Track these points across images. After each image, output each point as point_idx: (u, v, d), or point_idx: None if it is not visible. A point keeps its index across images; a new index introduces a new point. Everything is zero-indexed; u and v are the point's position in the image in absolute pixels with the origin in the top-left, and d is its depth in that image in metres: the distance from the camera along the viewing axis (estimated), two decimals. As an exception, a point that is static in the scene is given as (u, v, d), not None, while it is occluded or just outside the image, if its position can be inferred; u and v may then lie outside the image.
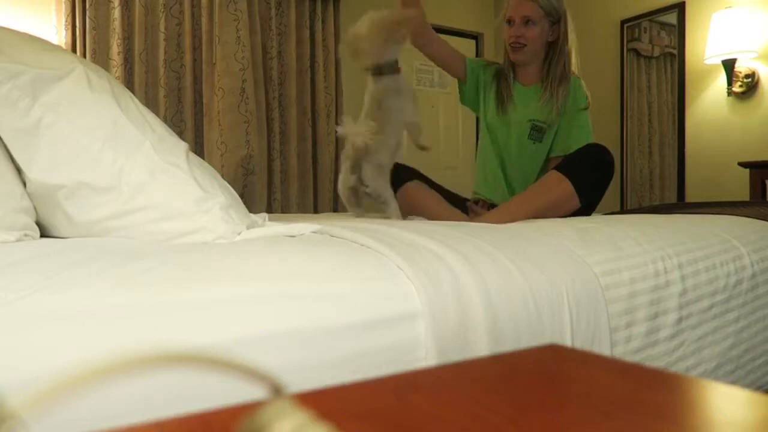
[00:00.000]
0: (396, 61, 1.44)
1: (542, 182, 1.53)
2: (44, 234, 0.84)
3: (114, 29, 2.79)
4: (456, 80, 1.94)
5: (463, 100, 1.95)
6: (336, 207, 3.26)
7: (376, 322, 0.57)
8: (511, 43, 1.75)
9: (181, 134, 2.90)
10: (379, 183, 1.36)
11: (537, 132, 1.75)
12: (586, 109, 1.79)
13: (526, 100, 1.78)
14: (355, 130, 1.29)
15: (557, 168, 1.54)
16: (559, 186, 1.47)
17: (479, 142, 1.96)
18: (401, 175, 1.63)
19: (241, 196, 2.83)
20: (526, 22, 1.71)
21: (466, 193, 1.98)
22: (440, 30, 3.97)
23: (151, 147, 0.78)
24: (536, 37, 1.72)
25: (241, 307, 0.53)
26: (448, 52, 1.85)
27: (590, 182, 1.50)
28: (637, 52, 3.35)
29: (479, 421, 0.27)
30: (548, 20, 1.72)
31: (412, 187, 1.62)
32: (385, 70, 1.40)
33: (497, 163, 1.85)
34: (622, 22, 3.40)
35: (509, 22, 1.75)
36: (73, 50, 2.71)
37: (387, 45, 1.37)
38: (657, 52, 3.26)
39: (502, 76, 1.84)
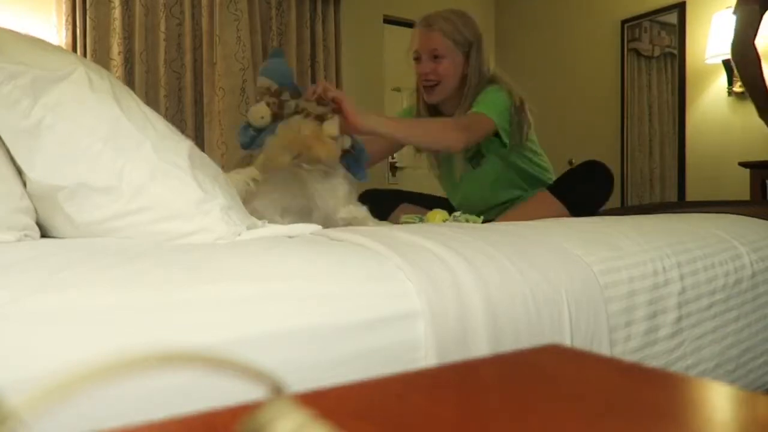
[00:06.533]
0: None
1: (532, 202, 1.50)
2: (45, 234, 0.85)
3: (114, 29, 2.79)
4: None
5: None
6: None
7: (376, 322, 0.57)
8: (423, 82, 1.55)
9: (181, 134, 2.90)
10: None
11: (475, 159, 1.61)
12: (503, 96, 1.48)
13: None
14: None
15: (550, 188, 1.50)
16: (550, 208, 1.43)
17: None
18: (386, 201, 1.58)
19: (242, 196, 2.82)
20: (435, 56, 1.51)
21: None
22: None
23: (152, 147, 0.79)
24: (449, 71, 1.51)
25: (241, 307, 0.53)
26: (382, 146, 1.64)
27: (585, 200, 1.44)
28: (637, 52, 3.35)
29: (479, 421, 0.27)
30: (460, 51, 1.52)
31: (404, 208, 1.62)
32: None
33: (455, 199, 1.77)
34: (623, 22, 3.40)
35: (416, 58, 1.55)
36: (73, 50, 2.71)
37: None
38: (657, 52, 3.26)
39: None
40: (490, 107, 1.44)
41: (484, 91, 1.50)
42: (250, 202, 1.10)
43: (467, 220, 1.33)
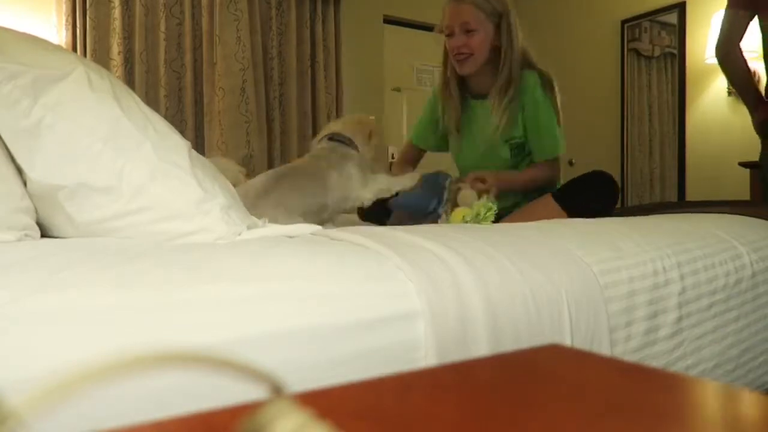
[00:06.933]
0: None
1: (534, 206, 1.50)
2: (45, 234, 0.84)
3: (114, 29, 2.79)
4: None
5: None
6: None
7: (376, 322, 0.57)
8: (455, 56, 1.60)
9: (181, 134, 2.89)
10: None
11: (518, 149, 1.65)
12: (551, 107, 1.59)
13: (486, 115, 1.63)
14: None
15: (555, 194, 1.50)
16: (551, 214, 1.41)
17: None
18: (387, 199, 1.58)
19: (242, 196, 2.83)
20: (467, 30, 1.57)
21: None
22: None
23: (152, 147, 0.79)
24: (481, 43, 1.57)
25: (241, 307, 0.53)
26: (403, 166, 1.82)
27: (588, 211, 1.41)
28: (637, 52, 3.35)
29: (479, 421, 0.27)
30: (491, 22, 1.57)
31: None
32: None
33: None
34: (623, 22, 3.40)
35: (449, 34, 1.60)
36: (73, 50, 2.71)
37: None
38: (657, 52, 3.26)
39: (447, 95, 1.70)
40: (549, 146, 1.60)
41: (533, 110, 1.58)
42: (263, 203, 1.24)
43: (482, 219, 1.29)
